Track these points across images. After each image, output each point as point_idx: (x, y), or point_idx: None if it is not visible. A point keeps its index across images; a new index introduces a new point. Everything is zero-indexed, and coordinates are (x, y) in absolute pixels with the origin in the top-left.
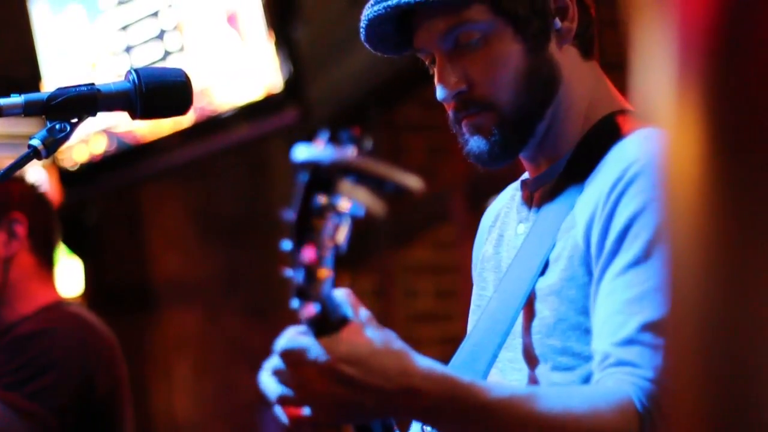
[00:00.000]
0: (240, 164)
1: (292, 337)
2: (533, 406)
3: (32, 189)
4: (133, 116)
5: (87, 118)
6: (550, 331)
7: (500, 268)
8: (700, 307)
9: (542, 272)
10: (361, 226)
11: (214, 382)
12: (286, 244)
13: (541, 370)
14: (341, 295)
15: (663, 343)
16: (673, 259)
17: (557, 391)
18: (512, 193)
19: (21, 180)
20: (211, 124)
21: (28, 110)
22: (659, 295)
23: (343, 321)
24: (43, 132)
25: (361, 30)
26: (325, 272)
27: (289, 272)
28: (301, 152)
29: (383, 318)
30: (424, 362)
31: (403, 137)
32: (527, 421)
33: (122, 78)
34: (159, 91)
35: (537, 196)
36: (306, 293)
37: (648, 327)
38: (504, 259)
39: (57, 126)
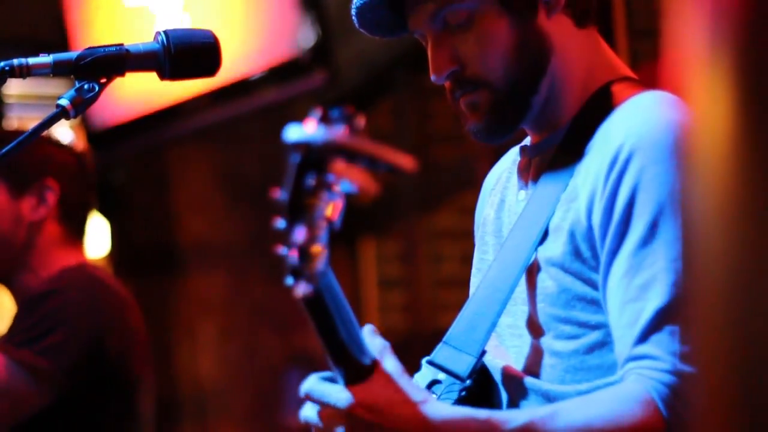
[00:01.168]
0: (267, 128)
1: (318, 382)
2: (554, 426)
3: (75, 160)
4: (161, 77)
5: (115, 78)
6: (553, 300)
7: (501, 233)
8: (726, 281)
9: (542, 240)
10: (386, 191)
11: (238, 345)
12: (280, 223)
13: (544, 339)
14: (367, 332)
15: (679, 327)
16: (700, 228)
17: (577, 404)
18: (513, 157)
19: (66, 148)
20: (239, 87)
21: (57, 70)
22: (670, 274)
23: (370, 369)
24: (72, 91)
25: (353, 17)
26: (319, 251)
27: (283, 251)
28: (293, 132)
29: (409, 283)
30: (443, 408)
31: (430, 102)
32: None
33: (151, 39)
34: (187, 53)
35: (536, 164)
36: (299, 272)
37: (662, 313)
38: (505, 224)
39: (85, 86)
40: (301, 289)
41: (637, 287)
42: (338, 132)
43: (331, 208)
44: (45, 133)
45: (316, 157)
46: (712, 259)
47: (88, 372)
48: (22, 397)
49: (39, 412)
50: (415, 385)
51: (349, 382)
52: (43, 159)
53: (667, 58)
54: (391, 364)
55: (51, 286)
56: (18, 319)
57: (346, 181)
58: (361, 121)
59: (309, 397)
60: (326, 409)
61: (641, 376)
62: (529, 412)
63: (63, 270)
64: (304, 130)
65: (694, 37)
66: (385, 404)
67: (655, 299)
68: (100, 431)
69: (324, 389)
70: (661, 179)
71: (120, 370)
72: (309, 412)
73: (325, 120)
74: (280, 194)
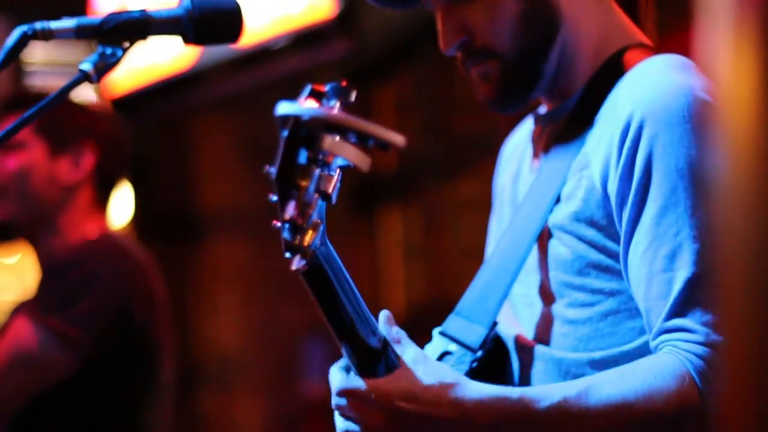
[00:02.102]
0: (290, 96)
1: (347, 376)
2: (588, 403)
3: (115, 130)
4: (185, 42)
5: (138, 42)
6: (566, 267)
7: (516, 202)
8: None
9: (554, 208)
10: (408, 161)
11: (259, 313)
12: (272, 198)
13: (556, 307)
14: (383, 320)
15: (710, 295)
16: (724, 194)
17: (610, 378)
18: (530, 125)
19: (107, 118)
20: (262, 55)
21: (80, 34)
22: (695, 242)
23: (380, 351)
24: (95, 56)
25: None
26: (313, 226)
27: (277, 225)
28: (283, 107)
29: (431, 252)
30: (476, 388)
31: (453, 72)
32: (584, 421)
33: (175, 5)
34: (211, 18)
35: (549, 132)
36: (292, 247)
37: (692, 283)
38: (520, 193)
39: (108, 50)
40: (296, 264)
41: (663, 258)
42: (328, 107)
43: (325, 183)
44: (87, 102)
45: (305, 132)
46: (737, 225)
47: (117, 339)
48: (51, 364)
49: (66, 379)
50: (444, 367)
51: (360, 364)
52: (85, 123)
53: (695, 27)
54: (412, 351)
55: (79, 254)
56: (45, 286)
57: (338, 156)
58: (353, 97)
59: (345, 394)
60: (363, 405)
61: (676, 349)
62: (561, 388)
63: (89, 238)
64: (294, 105)
65: (720, 5)
66: (420, 391)
67: (684, 269)
68: (127, 398)
69: (357, 384)
70: (675, 145)
71: (146, 338)
72: (338, 416)
73: (317, 95)
74: (269, 169)
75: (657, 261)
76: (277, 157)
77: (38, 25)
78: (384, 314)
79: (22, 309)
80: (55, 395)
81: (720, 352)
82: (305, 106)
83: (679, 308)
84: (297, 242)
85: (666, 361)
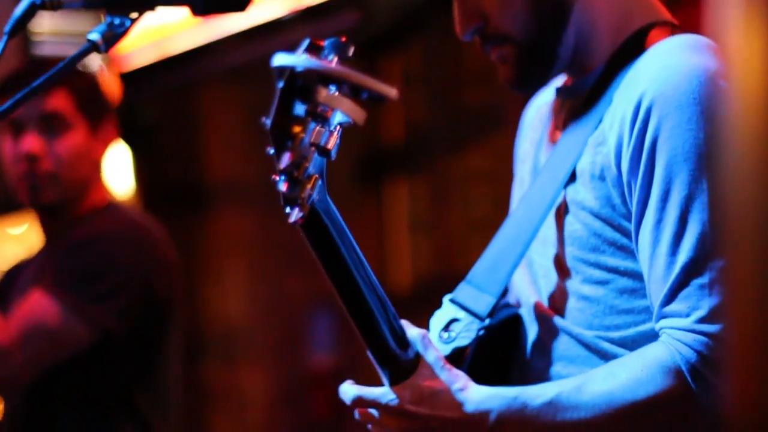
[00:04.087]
0: None
1: (359, 388)
2: (580, 397)
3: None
4: (194, 12)
5: (147, 13)
6: (582, 244)
7: (536, 171)
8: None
9: (569, 182)
10: (417, 133)
11: (266, 285)
12: (269, 150)
13: (572, 282)
14: (415, 336)
15: (708, 280)
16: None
17: (602, 373)
18: (553, 92)
19: (119, 84)
20: (270, 27)
21: (89, 3)
22: (697, 226)
23: (413, 366)
24: (103, 26)
25: None
26: (310, 178)
27: (275, 179)
28: (278, 58)
29: (439, 225)
30: (480, 392)
31: (462, 44)
32: (575, 414)
33: None
34: None
35: (568, 106)
36: (289, 198)
37: (690, 268)
38: (540, 163)
39: (116, 21)
40: (293, 216)
41: (665, 241)
42: (323, 59)
43: (322, 137)
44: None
45: (300, 83)
46: (746, 208)
47: (138, 315)
48: (71, 342)
49: (87, 351)
50: (455, 372)
51: (362, 327)
52: (110, 96)
53: (706, 4)
54: (432, 354)
55: (96, 230)
56: (63, 263)
57: (333, 109)
58: (351, 51)
59: (360, 403)
60: (379, 411)
61: (669, 338)
62: (558, 384)
63: (100, 211)
64: (289, 56)
65: None
66: (431, 394)
67: (684, 253)
68: (145, 366)
69: (371, 393)
70: (684, 127)
71: (166, 310)
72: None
73: (315, 49)
74: (265, 120)
75: (660, 244)
76: (272, 108)
77: None
78: (420, 333)
79: (37, 283)
80: (75, 366)
81: (717, 340)
82: (301, 57)
83: (676, 293)
84: (295, 194)
85: (656, 354)
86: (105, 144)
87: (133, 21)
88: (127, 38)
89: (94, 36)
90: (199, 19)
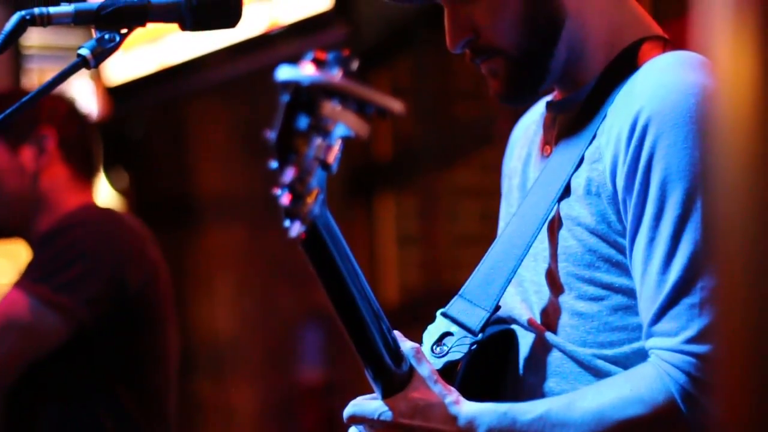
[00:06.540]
0: None
1: (358, 402)
2: (568, 415)
3: (62, 102)
4: (183, 28)
5: (136, 28)
6: (577, 260)
7: (526, 187)
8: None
9: (563, 196)
10: (406, 147)
11: (255, 299)
12: (272, 164)
13: (565, 298)
14: (408, 349)
15: (698, 300)
16: (722, 195)
17: (592, 391)
18: (541, 109)
19: (53, 94)
20: (260, 41)
21: (78, 19)
22: (688, 245)
23: (407, 379)
24: (93, 41)
25: None
26: (312, 192)
27: (276, 192)
28: (283, 72)
29: (427, 239)
30: (471, 406)
31: (451, 59)
32: (565, 431)
33: None
34: (209, 5)
35: (560, 121)
36: (291, 213)
37: (679, 287)
38: (530, 179)
39: (106, 36)
40: (294, 230)
41: (656, 260)
42: (328, 73)
43: (324, 152)
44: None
45: (305, 97)
46: (735, 227)
47: (110, 304)
48: (43, 333)
49: (62, 347)
50: (448, 386)
51: (357, 339)
52: (33, 108)
53: (692, 16)
54: (425, 368)
55: (64, 223)
56: (33, 257)
57: (340, 124)
58: (354, 65)
59: (355, 419)
60: (373, 426)
61: (657, 359)
62: (548, 401)
63: (75, 208)
64: (294, 70)
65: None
66: (424, 407)
67: (674, 272)
68: (127, 365)
69: (365, 407)
70: (679, 146)
71: (143, 304)
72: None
73: (318, 62)
74: (269, 134)
75: (652, 262)
76: (277, 122)
77: (37, 10)
78: (413, 347)
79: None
80: (52, 363)
81: (707, 361)
82: (306, 71)
83: (666, 311)
84: (297, 208)
85: (645, 374)
86: (42, 155)
87: (123, 36)
88: (117, 53)
89: (84, 51)
90: (187, 35)
